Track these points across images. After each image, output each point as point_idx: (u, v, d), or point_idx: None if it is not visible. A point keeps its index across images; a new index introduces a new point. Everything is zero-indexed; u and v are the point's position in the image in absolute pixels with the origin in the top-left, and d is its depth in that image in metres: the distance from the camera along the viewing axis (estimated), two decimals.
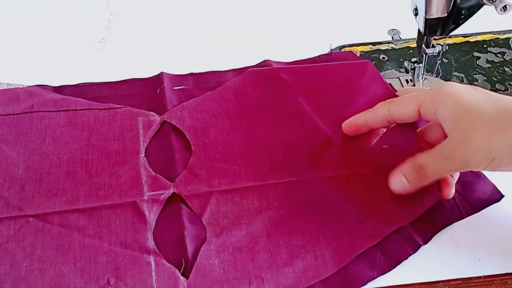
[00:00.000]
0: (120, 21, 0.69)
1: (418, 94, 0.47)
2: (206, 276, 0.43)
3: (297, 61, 0.61)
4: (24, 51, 0.64)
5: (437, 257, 0.45)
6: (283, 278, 0.43)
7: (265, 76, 0.57)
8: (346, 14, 0.69)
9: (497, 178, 0.50)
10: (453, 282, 0.44)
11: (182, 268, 0.44)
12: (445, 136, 0.44)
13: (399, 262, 0.45)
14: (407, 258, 0.45)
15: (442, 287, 0.44)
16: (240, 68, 0.60)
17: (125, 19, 0.69)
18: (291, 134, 0.52)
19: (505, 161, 0.42)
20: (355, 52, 0.63)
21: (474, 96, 0.43)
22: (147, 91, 0.57)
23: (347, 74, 0.56)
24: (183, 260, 0.44)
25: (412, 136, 0.50)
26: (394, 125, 0.50)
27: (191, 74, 0.59)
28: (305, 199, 0.48)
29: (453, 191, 0.47)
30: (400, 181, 0.45)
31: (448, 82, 0.45)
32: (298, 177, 0.49)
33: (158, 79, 0.58)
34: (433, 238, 0.46)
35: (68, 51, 0.64)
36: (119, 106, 0.55)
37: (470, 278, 0.44)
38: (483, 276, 0.44)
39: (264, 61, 0.60)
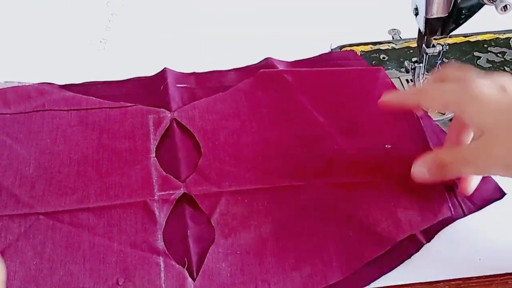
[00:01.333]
0: (120, 21, 0.69)
1: (445, 92, 0.44)
2: (213, 280, 0.43)
3: (299, 60, 0.62)
4: (24, 52, 0.64)
5: (437, 257, 0.45)
6: (290, 282, 0.43)
7: (277, 80, 0.57)
8: (346, 13, 0.69)
9: (497, 180, 0.50)
10: (453, 282, 0.44)
11: (185, 267, 0.44)
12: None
13: (402, 262, 0.45)
14: (409, 258, 0.45)
15: (442, 287, 0.44)
16: (242, 68, 0.60)
17: (125, 19, 0.69)
18: (302, 139, 0.52)
19: None
20: (356, 51, 0.63)
21: (502, 103, 0.42)
22: (151, 88, 0.57)
23: (360, 80, 0.56)
24: (186, 260, 0.44)
25: (421, 141, 0.51)
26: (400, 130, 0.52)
27: (194, 73, 0.60)
28: (315, 204, 0.47)
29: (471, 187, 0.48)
30: (420, 170, 0.46)
31: (477, 81, 0.43)
32: (308, 182, 0.49)
33: (161, 76, 0.58)
34: (433, 238, 0.46)
35: (68, 51, 0.64)
36: (129, 104, 0.55)
37: (470, 278, 0.44)
38: (483, 276, 0.44)
39: (266, 58, 0.60)
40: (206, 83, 0.59)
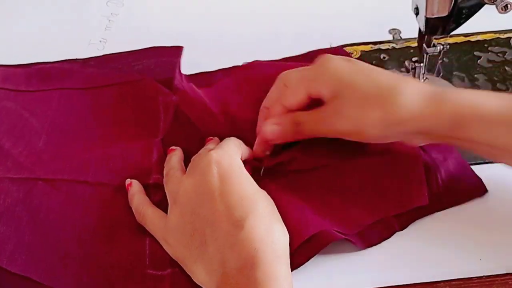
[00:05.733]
0: (120, 21, 0.69)
1: (302, 77, 0.48)
2: None
3: (286, 58, 0.62)
4: (23, 52, 0.64)
5: (437, 257, 0.45)
6: None
7: (266, 78, 0.56)
8: (346, 13, 0.69)
9: (498, 180, 0.50)
10: (454, 282, 0.44)
11: None
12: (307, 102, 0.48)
13: (372, 245, 0.45)
14: (380, 242, 0.45)
15: (442, 287, 0.44)
16: (228, 68, 0.61)
17: (125, 19, 0.69)
18: None
19: (374, 134, 0.45)
20: (344, 50, 0.63)
21: (354, 71, 0.46)
22: (162, 61, 0.60)
23: None
24: None
25: None
26: None
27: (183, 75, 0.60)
28: (292, 187, 0.47)
29: None
30: (273, 128, 0.48)
31: (329, 56, 0.48)
32: (292, 167, 0.49)
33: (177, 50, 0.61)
34: (433, 238, 0.46)
35: (68, 51, 0.64)
36: (140, 78, 0.57)
37: (471, 278, 0.44)
38: (484, 276, 0.44)
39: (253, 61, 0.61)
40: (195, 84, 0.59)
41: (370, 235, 0.45)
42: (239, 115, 0.54)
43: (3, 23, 0.68)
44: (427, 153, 0.50)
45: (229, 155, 0.44)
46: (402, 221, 0.46)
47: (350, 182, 0.48)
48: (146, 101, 0.55)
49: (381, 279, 0.44)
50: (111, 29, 0.68)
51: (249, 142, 0.51)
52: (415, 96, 0.44)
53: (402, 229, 0.46)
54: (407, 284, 0.44)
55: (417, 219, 0.47)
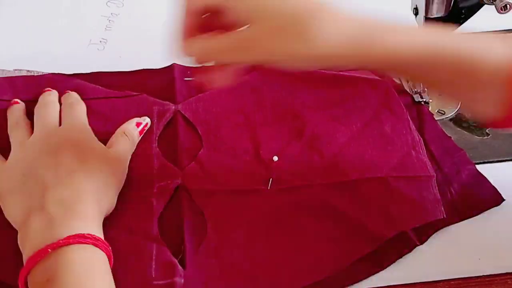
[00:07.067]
0: (120, 21, 0.69)
1: None
2: (203, 272, 0.44)
3: None
4: (23, 52, 0.64)
5: (437, 257, 0.45)
6: (278, 279, 0.43)
7: (284, 76, 0.57)
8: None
9: (498, 180, 0.50)
10: (453, 282, 0.44)
11: (180, 257, 0.44)
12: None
13: (394, 261, 0.45)
14: (401, 257, 0.45)
15: (442, 287, 0.44)
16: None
17: (125, 19, 0.69)
18: (303, 137, 0.52)
19: (294, 66, 0.43)
20: None
21: None
22: (159, 80, 0.58)
23: (366, 89, 0.56)
24: (183, 248, 0.45)
25: (414, 141, 0.52)
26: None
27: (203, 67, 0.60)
28: (308, 202, 0.48)
29: None
30: (186, 53, 0.46)
31: None
32: (304, 182, 0.49)
33: (169, 69, 0.59)
34: (433, 238, 0.46)
35: (68, 51, 0.64)
36: (135, 93, 0.56)
37: (470, 278, 0.44)
38: (483, 276, 0.44)
39: None
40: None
41: (391, 252, 0.45)
42: (254, 115, 0.54)
43: (2, 23, 0.68)
44: (440, 168, 0.51)
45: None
46: (421, 234, 0.46)
47: (365, 200, 0.48)
48: (140, 110, 0.54)
49: (381, 279, 0.44)
50: (111, 29, 0.68)
51: (261, 141, 0.52)
52: (338, 35, 0.41)
53: (422, 243, 0.46)
54: (407, 284, 0.44)
55: (435, 231, 0.47)
